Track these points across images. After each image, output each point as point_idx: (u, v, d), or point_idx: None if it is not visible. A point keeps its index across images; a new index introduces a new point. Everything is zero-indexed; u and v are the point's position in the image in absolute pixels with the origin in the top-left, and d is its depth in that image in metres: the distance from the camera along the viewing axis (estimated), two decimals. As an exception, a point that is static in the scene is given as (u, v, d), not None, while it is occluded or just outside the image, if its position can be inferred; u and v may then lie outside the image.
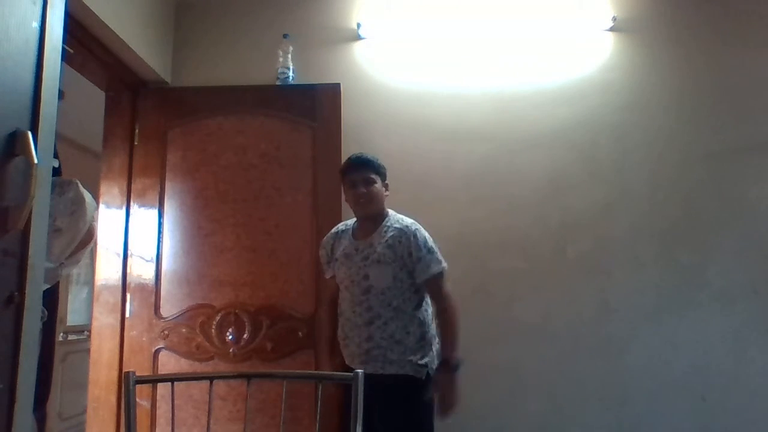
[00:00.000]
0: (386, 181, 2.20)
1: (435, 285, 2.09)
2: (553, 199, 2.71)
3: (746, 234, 2.66)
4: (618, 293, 2.65)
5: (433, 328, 2.12)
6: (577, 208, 2.70)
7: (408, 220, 2.15)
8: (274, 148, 2.64)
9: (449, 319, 2.06)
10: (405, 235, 2.09)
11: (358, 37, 2.83)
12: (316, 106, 2.67)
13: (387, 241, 2.10)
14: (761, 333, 2.60)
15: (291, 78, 2.71)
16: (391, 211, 2.20)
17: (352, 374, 1.46)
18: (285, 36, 2.73)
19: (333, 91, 2.68)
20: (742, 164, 2.70)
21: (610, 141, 2.74)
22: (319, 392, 1.51)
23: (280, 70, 2.71)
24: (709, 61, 2.78)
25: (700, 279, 2.64)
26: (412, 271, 2.07)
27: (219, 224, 2.61)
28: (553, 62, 2.79)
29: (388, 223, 2.14)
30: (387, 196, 2.20)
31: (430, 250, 2.08)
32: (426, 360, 2.05)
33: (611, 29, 2.79)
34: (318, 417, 1.51)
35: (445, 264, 2.10)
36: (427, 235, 2.12)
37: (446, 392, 2.03)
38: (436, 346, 2.11)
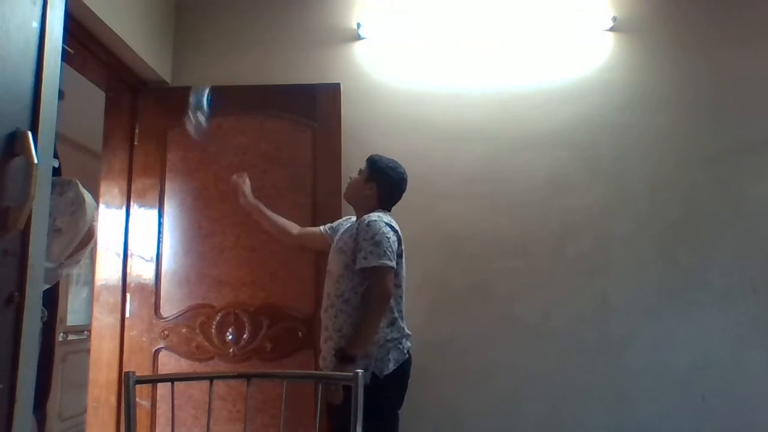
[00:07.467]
0: (374, 181, 2.20)
1: (370, 278, 2.04)
2: (553, 198, 2.71)
3: (746, 234, 2.66)
4: (618, 293, 2.65)
5: (386, 331, 2.05)
6: (577, 208, 2.70)
7: (377, 215, 2.11)
8: (274, 148, 2.64)
9: (365, 314, 2.02)
10: (361, 224, 2.09)
11: (358, 37, 2.82)
12: (316, 105, 2.67)
13: (349, 230, 2.16)
14: (761, 333, 2.60)
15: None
16: (378, 211, 2.17)
17: (352, 374, 1.46)
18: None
19: (333, 91, 2.68)
20: (742, 164, 2.70)
21: (610, 141, 2.74)
22: (319, 392, 1.51)
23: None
24: (709, 61, 2.77)
25: (700, 279, 2.64)
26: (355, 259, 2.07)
27: (219, 224, 2.61)
28: (553, 62, 2.79)
29: (364, 218, 2.13)
30: (369, 194, 2.20)
31: (376, 243, 2.01)
32: (363, 362, 1.98)
33: (611, 29, 2.79)
34: (318, 417, 1.51)
35: (386, 262, 2.01)
36: (383, 231, 2.04)
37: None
38: (386, 350, 2.03)
